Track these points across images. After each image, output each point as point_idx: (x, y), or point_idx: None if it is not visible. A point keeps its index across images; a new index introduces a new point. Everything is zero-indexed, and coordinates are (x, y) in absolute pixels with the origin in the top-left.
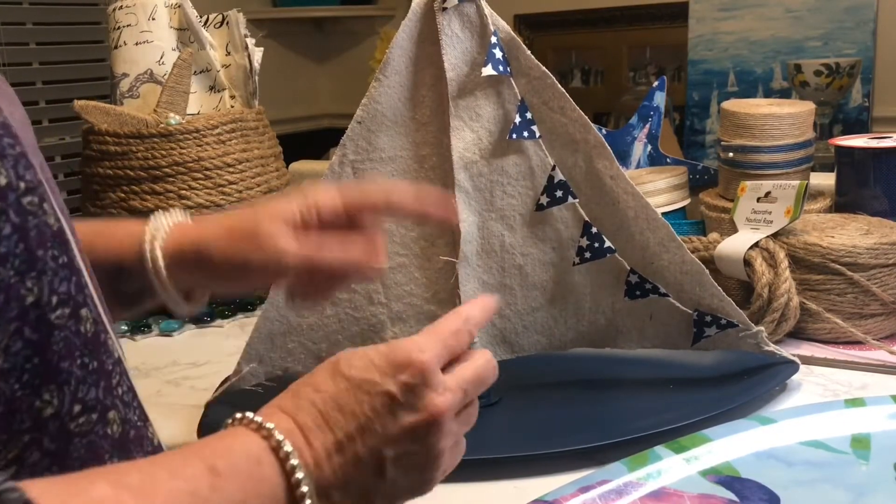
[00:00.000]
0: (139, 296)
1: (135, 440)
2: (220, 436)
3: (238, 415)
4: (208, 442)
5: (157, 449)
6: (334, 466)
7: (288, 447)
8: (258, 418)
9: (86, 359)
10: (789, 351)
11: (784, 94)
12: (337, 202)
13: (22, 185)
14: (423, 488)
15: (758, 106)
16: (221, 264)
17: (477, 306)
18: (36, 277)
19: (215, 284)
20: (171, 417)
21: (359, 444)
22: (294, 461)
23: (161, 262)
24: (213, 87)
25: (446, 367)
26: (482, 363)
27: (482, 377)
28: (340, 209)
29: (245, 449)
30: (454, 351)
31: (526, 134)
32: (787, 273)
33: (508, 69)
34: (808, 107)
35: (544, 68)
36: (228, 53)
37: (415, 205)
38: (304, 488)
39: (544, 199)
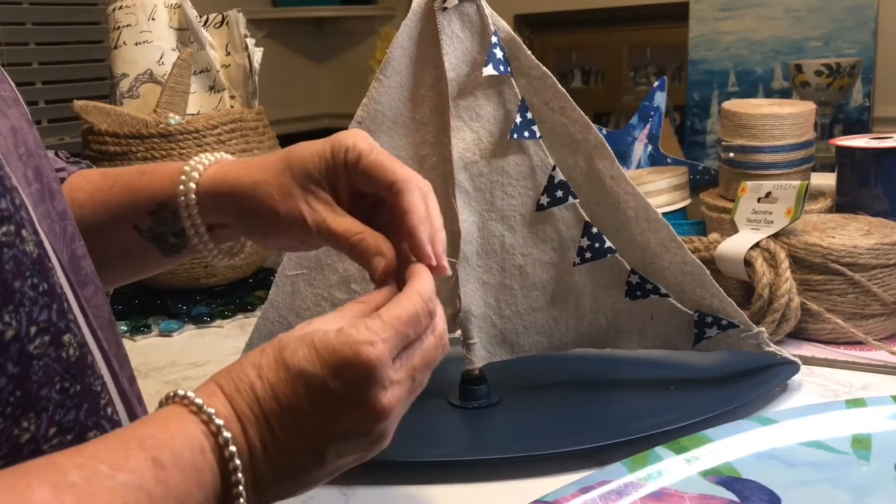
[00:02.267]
0: (179, 244)
1: None
2: (161, 419)
3: (180, 392)
4: (149, 427)
5: None
6: (270, 456)
7: (226, 434)
8: (198, 401)
9: (66, 383)
10: (790, 351)
11: (785, 94)
12: (367, 173)
13: None
14: (367, 457)
15: (758, 106)
16: (253, 211)
17: (424, 277)
18: (13, 310)
19: (251, 232)
20: None
21: (295, 436)
22: (232, 448)
23: (193, 197)
24: (213, 87)
25: (400, 353)
26: (433, 344)
27: (431, 359)
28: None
29: (187, 437)
30: (410, 339)
31: (526, 134)
32: (788, 273)
33: (509, 69)
34: (808, 107)
35: (545, 68)
36: (228, 53)
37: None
38: (240, 475)
39: (545, 200)
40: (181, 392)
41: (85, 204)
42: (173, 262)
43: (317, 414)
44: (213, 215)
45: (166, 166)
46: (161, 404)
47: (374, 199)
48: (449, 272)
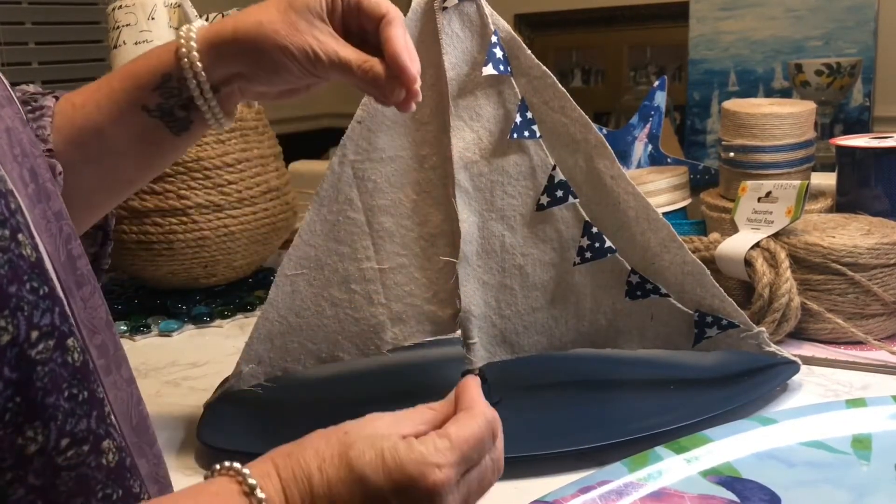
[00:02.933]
0: (187, 117)
1: (132, 468)
2: (212, 497)
3: (236, 466)
4: (198, 501)
5: (151, 475)
6: None
7: None
8: (252, 481)
9: (74, 389)
10: (790, 351)
11: (785, 93)
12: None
13: None
14: None
15: (759, 106)
16: (260, 50)
17: (479, 393)
18: (9, 315)
19: (259, 73)
20: (170, 418)
21: None
22: None
23: (196, 55)
24: None
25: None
26: (490, 468)
27: (487, 482)
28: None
29: None
30: (474, 462)
31: (526, 133)
32: (788, 273)
33: (509, 69)
34: (808, 106)
35: (545, 68)
36: None
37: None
38: None
39: (545, 199)
40: (237, 466)
41: (86, 103)
42: (184, 143)
43: None
44: (219, 68)
45: (159, 47)
46: (213, 472)
47: (358, 38)
48: (420, 97)
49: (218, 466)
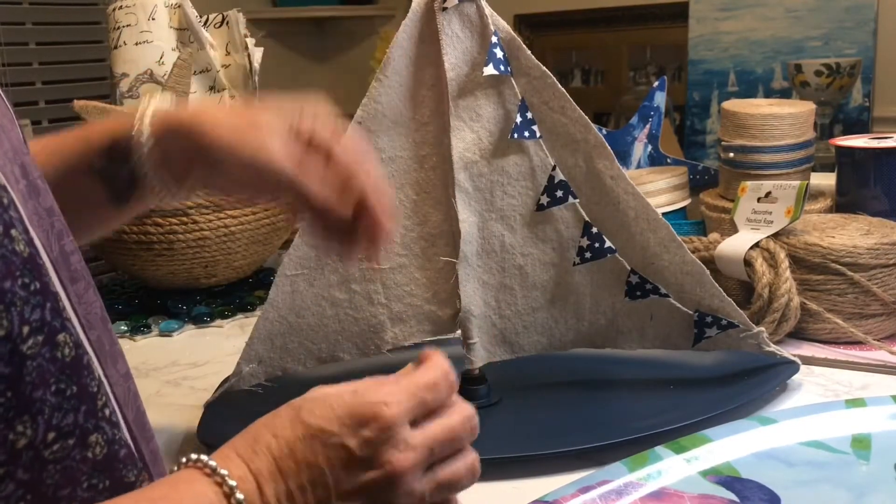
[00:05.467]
0: (130, 185)
1: (125, 459)
2: (173, 481)
3: (193, 456)
4: (161, 489)
5: (147, 467)
6: None
7: (239, 495)
8: (212, 463)
9: (62, 385)
10: (790, 351)
11: (784, 94)
12: (330, 148)
13: None
14: None
15: (758, 106)
16: (215, 151)
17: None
18: (4, 310)
19: (213, 175)
20: (170, 418)
21: (310, 495)
22: None
23: (147, 129)
24: (213, 88)
25: (419, 421)
26: (458, 420)
27: (455, 435)
28: (330, 157)
29: (199, 496)
30: (429, 406)
31: (526, 134)
32: (788, 273)
33: (509, 69)
34: (808, 107)
35: (544, 68)
36: (228, 53)
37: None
38: None
39: (545, 199)
40: (194, 456)
41: (38, 153)
42: (124, 212)
43: (331, 473)
44: (172, 152)
45: (121, 114)
46: (179, 467)
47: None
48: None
49: (184, 459)
